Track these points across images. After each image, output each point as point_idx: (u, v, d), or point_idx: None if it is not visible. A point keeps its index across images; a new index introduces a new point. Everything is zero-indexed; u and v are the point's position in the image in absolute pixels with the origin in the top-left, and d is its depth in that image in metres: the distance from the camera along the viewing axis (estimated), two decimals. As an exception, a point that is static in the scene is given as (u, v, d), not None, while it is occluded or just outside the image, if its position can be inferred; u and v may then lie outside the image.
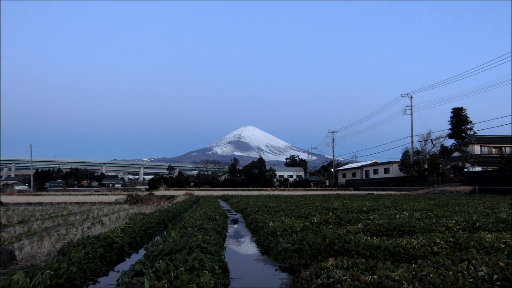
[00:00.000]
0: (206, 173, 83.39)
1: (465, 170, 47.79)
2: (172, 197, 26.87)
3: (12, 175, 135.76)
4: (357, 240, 5.62)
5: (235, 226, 10.54)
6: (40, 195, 36.87)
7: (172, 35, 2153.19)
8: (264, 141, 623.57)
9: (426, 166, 49.49)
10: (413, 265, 3.98)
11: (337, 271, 3.73)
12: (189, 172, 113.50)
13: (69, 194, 38.02)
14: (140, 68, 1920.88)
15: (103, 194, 36.27)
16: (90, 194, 37.03)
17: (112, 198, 26.82)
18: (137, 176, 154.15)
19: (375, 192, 36.72)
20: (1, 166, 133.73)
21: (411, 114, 53.82)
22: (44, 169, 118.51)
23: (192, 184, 74.08)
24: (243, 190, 54.54)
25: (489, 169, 43.30)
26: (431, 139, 51.68)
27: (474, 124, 65.16)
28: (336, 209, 12.28)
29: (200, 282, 3.39)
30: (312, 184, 74.42)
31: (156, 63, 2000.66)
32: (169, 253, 4.42)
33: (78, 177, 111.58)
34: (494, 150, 55.74)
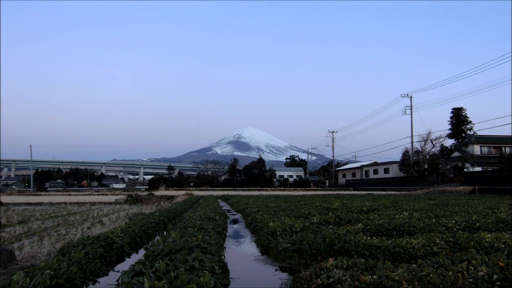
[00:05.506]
0: (206, 173, 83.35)
1: (465, 170, 47.75)
2: (172, 197, 26.87)
3: (12, 175, 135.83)
4: (357, 240, 5.62)
5: (235, 226, 10.54)
6: (40, 195, 36.89)
7: (172, 35, 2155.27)
8: (264, 141, 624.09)
9: (426, 166, 49.46)
10: (413, 265, 3.98)
11: (337, 271, 3.73)
12: (189, 172, 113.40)
13: (69, 194, 38.02)
14: (140, 67, 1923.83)
15: (103, 194, 36.28)
16: (90, 194, 37.04)
17: (112, 198, 26.83)
18: (137, 176, 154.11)
19: (375, 192, 36.72)
20: (1, 166, 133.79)
21: (411, 114, 53.89)
22: (44, 169, 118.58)
23: (192, 184, 74.07)
24: (243, 190, 54.48)
25: (489, 169, 43.26)
26: (431, 139, 51.66)
27: (474, 124, 65.22)
28: (336, 209, 12.27)
29: (200, 282, 3.39)
30: (312, 184, 74.37)
31: (156, 63, 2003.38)
32: (169, 253, 4.42)
33: (78, 177, 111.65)
34: (494, 150, 55.71)
